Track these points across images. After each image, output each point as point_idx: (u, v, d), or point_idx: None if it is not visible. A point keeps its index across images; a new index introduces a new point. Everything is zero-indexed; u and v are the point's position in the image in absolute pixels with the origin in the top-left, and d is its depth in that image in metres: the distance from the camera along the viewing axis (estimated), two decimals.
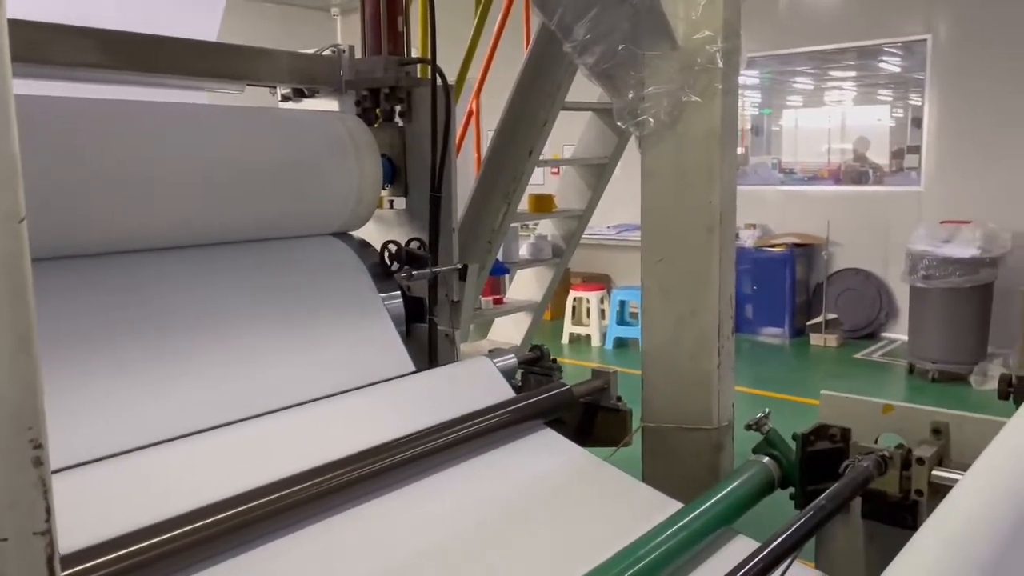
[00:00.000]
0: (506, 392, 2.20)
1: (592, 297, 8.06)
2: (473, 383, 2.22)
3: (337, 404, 2.00)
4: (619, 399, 2.41)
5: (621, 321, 7.98)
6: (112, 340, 1.80)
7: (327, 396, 2.12)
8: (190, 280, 2.09)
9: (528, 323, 3.73)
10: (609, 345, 7.91)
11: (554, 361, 2.47)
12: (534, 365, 2.47)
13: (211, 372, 1.98)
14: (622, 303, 7.99)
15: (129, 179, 1.87)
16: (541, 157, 3.18)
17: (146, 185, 1.90)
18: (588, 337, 8.08)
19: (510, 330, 3.77)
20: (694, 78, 2.22)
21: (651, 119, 2.07)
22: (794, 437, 2.06)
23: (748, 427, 2.10)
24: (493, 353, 2.39)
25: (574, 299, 8.17)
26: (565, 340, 8.10)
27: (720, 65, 2.25)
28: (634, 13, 2.09)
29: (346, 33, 11.61)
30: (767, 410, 2.11)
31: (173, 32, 2.49)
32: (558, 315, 8.14)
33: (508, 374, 2.34)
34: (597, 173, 3.68)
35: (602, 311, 8.12)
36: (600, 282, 8.52)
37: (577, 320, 8.22)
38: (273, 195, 2.24)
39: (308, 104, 2.98)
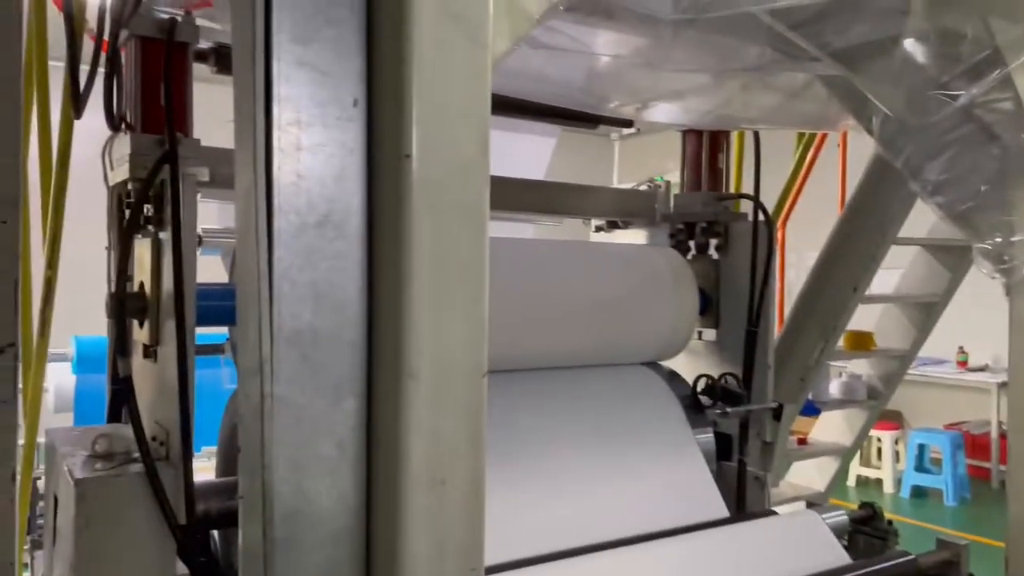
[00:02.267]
0: (839, 556, 2.01)
1: (885, 437, 7.31)
2: (800, 540, 2.06)
3: (655, 551, 1.94)
4: None
5: (920, 467, 7.11)
6: None
7: (639, 535, 2.08)
8: (517, 400, 2.19)
9: (834, 469, 3.44)
10: (905, 493, 7.06)
11: (890, 523, 2.22)
12: (865, 524, 2.24)
13: (525, 497, 2.03)
14: (921, 447, 7.14)
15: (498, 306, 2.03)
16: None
17: (510, 313, 2.04)
18: (879, 481, 7.29)
19: (812, 475, 3.50)
20: None
21: (1022, 266, 1.86)
22: None
23: None
24: (819, 507, 2.21)
25: None
26: (851, 482, 7.37)
27: None
28: (1002, 153, 1.93)
29: (623, 158, 12.07)
30: None
31: (509, 172, 2.73)
32: None
33: (836, 533, 2.14)
34: (925, 311, 3.39)
35: (896, 453, 7.32)
36: (893, 420, 7.71)
37: (866, 461, 7.46)
38: (602, 324, 2.32)
39: (619, 235, 3.10)
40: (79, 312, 3.62)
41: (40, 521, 3.97)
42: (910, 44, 1.78)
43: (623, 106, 2.63)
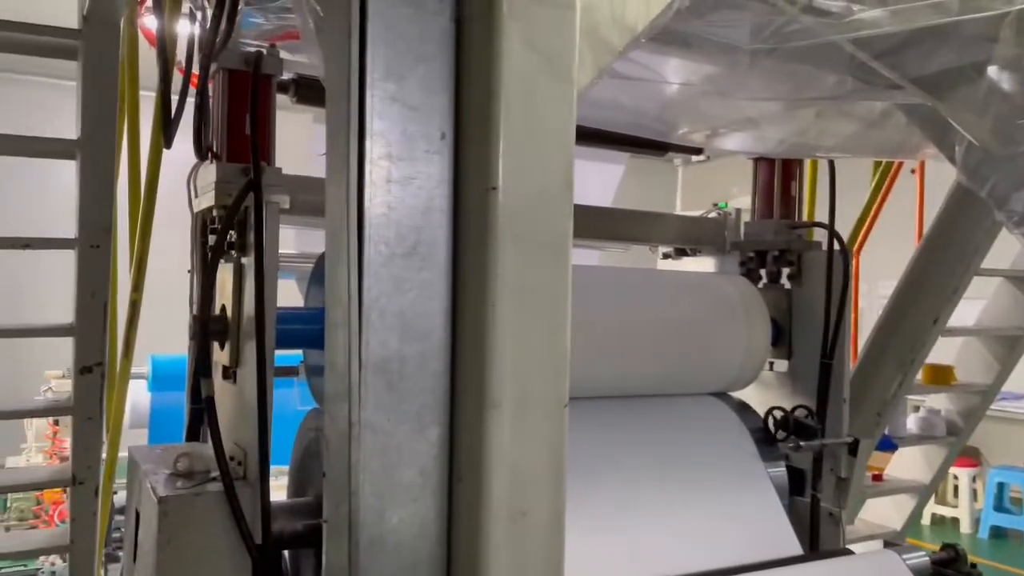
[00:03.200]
0: None
1: (962, 475, 7.01)
2: None
3: None
4: None
5: (999, 507, 6.79)
6: None
7: (711, 571, 2.04)
8: (586, 429, 2.18)
9: (911, 507, 3.31)
10: (983, 534, 6.74)
11: (974, 566, 2.12)
12: (947, 567, 2.14)
13: (593, 529, 2.01)
14: (1000, 485, 6.83)
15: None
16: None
17: (579, 340, 2.04)
18: (955, 520, 6.99)
19: (888, 512, 3.38)
20: None
21: None
22: None
23: None
24: (899, 547, 2.13)
25: None
26: (926, 520, 7.08)
27: None
28: None
29: (686, 183, 11.97)
30: None
31: (579, 199, 2.73)
32: None
33: (917, 575, 2.06)
34: (1008, 345, 3.26)
35: (973, 492, 7.01)
36: (971, 457, 7.40)
37: (941, 498, 7.16)
38: (672, 352, 2.30)
39: (687, 263, 3.07)
40: (154, 332, 3.75)
41: (116, 535, 4.09)
42: (997, 72, 1.73)
43: (692, 133, 2.62)
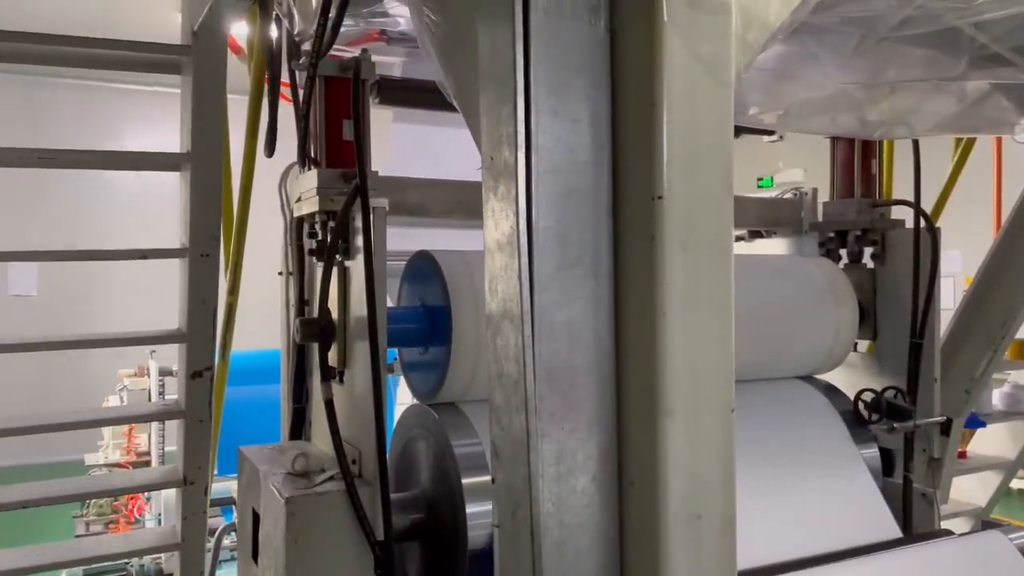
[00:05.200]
0: None
1: None
2: (988, 564, 1.97)
3: (840, 573, 1.90)
4: None
5: None
6: None
7: (811, 556, 2.04)
8: None
9: (997, 483, 3.27)
10: None
11: None
12: None
13: None
14: None
15: None
16: None
17: None
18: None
19: (973, 489, 3.34)
20: None
21: None
22: None
23: None
24: (1004, 528, 2.11)
25: None
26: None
27: None
28: None
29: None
30: None
31: None
32: None
33: None
34: None
35: None
36: None
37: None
38: (759, 337, 2.29)
39: (760, 244, 3.04)
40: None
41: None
42: None
43: (762, 113, 2.58)
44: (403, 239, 2.30)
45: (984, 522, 2.31)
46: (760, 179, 5.19)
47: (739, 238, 3.10)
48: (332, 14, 1.64)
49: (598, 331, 0.96)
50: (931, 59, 1.69)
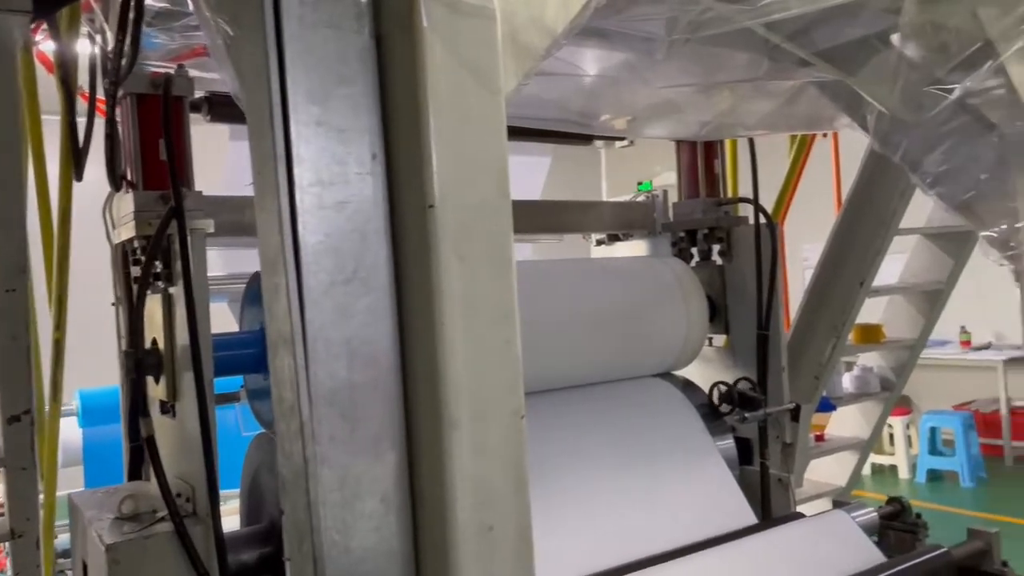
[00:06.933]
0: (873, 555, 2.00)
1: (896, 423, 7.30)
2: (832, 542, 2.05)
3: (688, 566, 1.93)
4: (1005, 564, 2.09)
5: (933, 451, 7.11)
6: None
7: (671, 550, 2.07)
8: (536, 422, 2.18)
9: (854, 463, 3.44)
10: (921, 478, 7.05)
11: (918, 516, 2.22)
12: (894, 520, 2.23)
13: (553, 518, 2.02)
14: (933, 430, 7.14)
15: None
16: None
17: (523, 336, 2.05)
18: (893, 468, 7.28)
19: (832, 469, 3.50)
20: None
21: None
22: None
23: None
24: (848, 506, 2.20)
25: None
26: (866, 471, 7.36)
27: None
28: (1000, 142, 1.94)
29: (610, 164, 12.05)
30: None
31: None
32: None
33: (867, 531, 2.13)
34: (930, 299, 3.40)
35: (908, 438, 7.31)
36: (903, 405, 7.71)
37: (879, 448, 7.46)
38: (614, 338, 2.32)
39: (620, 247, 3.10)
40: (77, 365, 3.59)
41: None
42: (902, 42, 1.79)
43: (613, 120, 2.63)
44: (241, 261, 2.21)
45: (834, 501, 2.40)
46: (640, 183, 5.36)
47: (599, 242, 3.15)
48: (131, 29, 1.55)
49: (380, 347, 0.93)
50: (742, 61, 1.75)
